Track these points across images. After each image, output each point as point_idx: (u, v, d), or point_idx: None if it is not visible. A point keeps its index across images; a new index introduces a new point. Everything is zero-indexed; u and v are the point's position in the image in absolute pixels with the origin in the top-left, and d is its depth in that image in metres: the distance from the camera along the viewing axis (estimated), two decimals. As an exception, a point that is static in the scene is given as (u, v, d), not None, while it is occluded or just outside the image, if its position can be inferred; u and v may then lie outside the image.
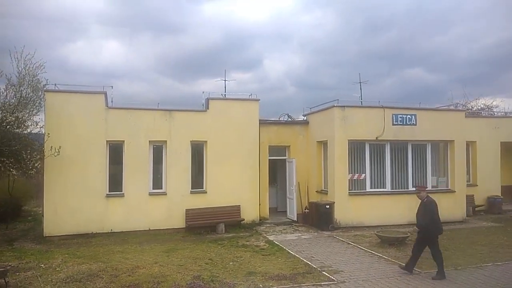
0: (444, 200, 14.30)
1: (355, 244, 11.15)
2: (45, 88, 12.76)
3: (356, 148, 14.22)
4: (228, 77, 51.81)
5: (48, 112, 12.69)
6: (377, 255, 9.95)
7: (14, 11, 45.01)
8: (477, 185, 17.37)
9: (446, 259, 9.22)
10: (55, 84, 12.96)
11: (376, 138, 13.93)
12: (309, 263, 9.33)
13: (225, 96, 15.58)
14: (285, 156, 15.85)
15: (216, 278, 8.39)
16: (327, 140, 14.22)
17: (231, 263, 9.62)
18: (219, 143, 14.16)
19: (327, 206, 13.42)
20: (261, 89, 49.14)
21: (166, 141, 13.72)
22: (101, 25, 53.64)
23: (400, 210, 14.06)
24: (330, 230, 13.15)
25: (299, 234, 12.82)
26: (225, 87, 18.62)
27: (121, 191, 13.28)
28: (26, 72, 12.74)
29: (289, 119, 16.75)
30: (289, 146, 15.66)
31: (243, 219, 14.06)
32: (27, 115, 12.63)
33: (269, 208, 16.05)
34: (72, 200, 12.72)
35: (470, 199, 16.81)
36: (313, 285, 7.80)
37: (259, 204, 14.91)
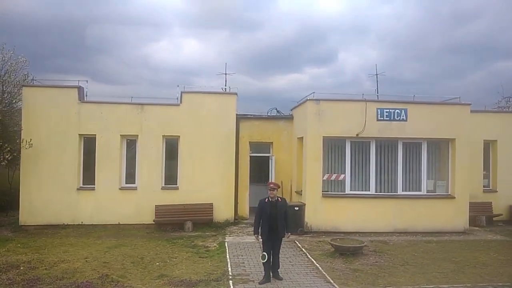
0: (442, 207, 12.66)
1: (307, 252, 10.08)
2: (23, 83, 13.29)
3: (335, 146, 12.95)
4: (302, 72, 51.07)
5: (25, 106, 13.22)
6: (316, 266, 8.86)
7: (103, 14, 49.08)
8: (496, 191, 15.01)
9: (392, 275, 8.01)
10: (32, 79, 13.46)
11: (357, 135, 12.53)
12: (230, 269, 8.57)
13: (223, 89, 14.99)
14: (270, 153, 14.97)
15: (121, 278, 8.06)
16: (303, 137, 13.13)
17: (157, 263, 9.20)
18: (192, 138, 13.74)
19: (296, 208, 12.37)
20: (336, 83, 47.78)
21: (137, 135, 13.61)
22: (182, 24, 56.53)
23: (385, 216, 12.60)
24: (298, 234, 12.12)
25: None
26: (225, 81, 18.03)
27: (93, 185, 13.43)
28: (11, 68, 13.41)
29: (278, 114, 15.71)
30: (272, 142, 14.75)
31: (212, 218, 13.50)
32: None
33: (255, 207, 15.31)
34: (45, 192, 13.13)
35: (486, 207, 14.66)
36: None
37: (237, 203, 14.29)
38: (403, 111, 12.67)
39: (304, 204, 12.48)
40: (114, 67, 48.38)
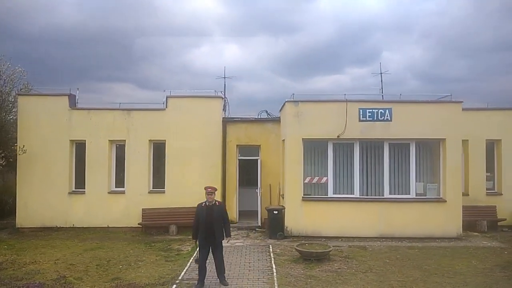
0: (432, 212, 12.01)
1: (274, 257, 9.83)
2: (18, 92, 14.01)
3: (317, 148, 12.59)
4: (343, 72, 50.55)
5: (20, 114, 13.93)
6: (273, 272, 8.61)
7: (147, 25, 51.56)
8: (501, 194, 13.99)
9: (345, 283, 7.73)
10: (27, 88, 14.15)
11: (338, 136, 12.12)
12: (184, 273, 8.55)
13: (218, 92, 15.06)
14: (258, 156, 14.82)
15: (76, 280, 8.27)
16: (284, 139, 12.89)
17: (120, 266, 9.35)
18: (178, 142, 13.87)
19: (275, 212, 12.15)
20: (379, 83, 46.81)
21: (125, 140, 13.93)
22: (222, 30, 58.15)
23: (370, 221, 12.09)
24: (277, 238, 11.89)
25: (241, 241, 11.83)
26: (224, 86, 18.15)
27: (83, 189, 13.89)
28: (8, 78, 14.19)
29: (267, 117, 15.49)
30: (260, 145, 14.58)
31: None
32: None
33: (247, 211, 15.26)
34: (39, 196, 13.73)
35: (489, 211, 13.72)
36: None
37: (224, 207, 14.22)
38: (387, 110, 12.12)
39: (284, 208, 12.23)
40: (158, 74, 50.06)
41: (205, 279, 7.76)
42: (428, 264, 9.16)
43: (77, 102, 14.21)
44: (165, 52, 50.64)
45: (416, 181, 12.40)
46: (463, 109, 13.88)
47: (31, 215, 13.73)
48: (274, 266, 9.02)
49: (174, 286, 7.73)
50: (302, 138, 12.26)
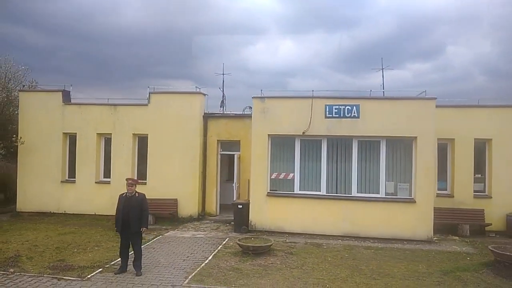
0: (402, 213, 11.64)
1: (217, 250, 10.02)
2: (20, 89, 15.33)
3: (285, 144, 12.56)
4: (404, 68, 49.21)
5: (21, 109, 15.27)
6: (204, 263, 8.85)
7: (204, 23, 53.80)
8: (491, 198, 13.09)
9: (263, 277, 7.81)
10: (32, 85, 15.43)
11: (303, 133, 12.03)
12: (112, 260, 8.96)
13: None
14: (239, 151, 15.03)
15: (27, 259, 9.03)
16: (254, 135, 12.98)
17: (75, 250, 10.10)
18: (160, 136, 14.46)
19: (240, 206, 12.33)
20: (443, 80, 44.55)
21: (111, 133, 14.76)
22: (278, 27, 59.14)
23: (334, 219, 11.92)
24: (241, 232, 12.08)
25: (205, 233, 12.14)
26: (223, 82, 18.43)
27: (74, 178, 14.93)
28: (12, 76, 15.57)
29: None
30: (240, 140, 14.77)
31: (176, 213, 14.05)
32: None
33: (230, 204, 15.52)
34: (36, 184, 14.98)
35: (476, 215, 12.93)
36: (58, 278, 7.67)
37: (204, 200, 14.68)
38: (354, 107, 11.82)
39: (249, 202, 12.37)
40: (214, 72, 51.40)
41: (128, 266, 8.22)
42: (368, 265, 8.90)
43: (71, 98, 15.24)
44: (221, 50, 51.87)
45: (386, 180, 11.99)
46: (449, 106, 13.29)
47: (29, 200, 15.01)
48: (210, 257, 9.26)
49: (100, 269, 8.24)
50: (268, 134, 12.32)
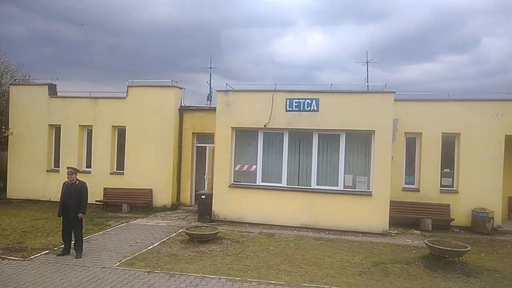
0: (358, 205, 11.81)
1: (172, 237, 10.52)
2: (10, 83, 16.25)
3: (249, 137, 12.86)
4: (437, 61, 48.12)
5: (11, 101, 16.18)
6: (146, 249, 9.34)
7: (233, 17, 54.54)
8: (457, 192, 13.00)
9: (194, 262, 8.26)
10: (25, 79, 16.34)
11: (264, 126, 12.30)
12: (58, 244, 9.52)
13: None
14: (213, 143, 15.41)
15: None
16: (220, 128, 13.34)
17: (39, 234, 10.85)
18: (136, 128, 15.05)
19: (203, 197, 12.76)
20: (478, 73, 43.30)
21: (92, 125, 15.47)
22: (306, 20, 59.10)
23: (293, 210, 12.19)
24: (204, 221, 12.53)
25: (169, 222, 12.66)
26: (210, 77, 18.87)
27: (58, 168, 15.76)
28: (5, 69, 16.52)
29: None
30: (214, 133, 15.11)
31: (151, 202, 14.64)
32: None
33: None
34: (25, 172, 15.93)
35: (441, 209, 12.90)
36: (2, 258, 8.34)
37: (179, 190, 15.21)
38: (314, 101, 11.99)
39: (212, 193, 12.78)
40: (242, 65, 52.17)
41: (86, 250, 8.80)
42: (304, 255, 9.14)
43: (57, 91, 16.03)
44: (250, 43, 52.14)
45: (345, 173, 12.13)
46: (418, 100, 13.26)
47: (18, 188, 15.98)
48: (156, 244, 9.75)
49: (47, 251, 8.88)
50: (232, 127, 12.65)
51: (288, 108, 12.16)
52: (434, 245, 8.60)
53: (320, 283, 7.30)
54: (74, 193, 8.55)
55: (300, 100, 12.06)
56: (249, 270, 7.95)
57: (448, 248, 8.44)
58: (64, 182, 8.81)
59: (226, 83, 12.90)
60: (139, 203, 14.64)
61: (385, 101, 11.61)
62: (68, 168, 8.91)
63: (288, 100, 12.16)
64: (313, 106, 11.98)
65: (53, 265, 7.96)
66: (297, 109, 12.10)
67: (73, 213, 8.50)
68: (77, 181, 8.73)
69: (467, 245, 8.73)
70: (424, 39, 47.33)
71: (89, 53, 49.48)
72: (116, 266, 7.96)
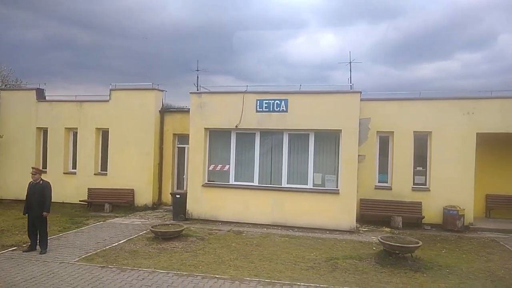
0: (327, 203, 12.04)
1: (139, 235, 10.88)
2: (0, 88, 16.89)
3: (222, 137, 13.18)
4: (452, 58, 47.37)
5: (2, 106, 16.80)
6: (111, 246, 9.71)
7: (245, 19, 54.99)
8: (429, 190, 13.10)
9: (152, 258, 8.60)
10: (17, 84, 16.98)
11: (236, 126, 12.61)
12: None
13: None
14: (195, 144, 15.78)
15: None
16: (195, 129, 13.69)
17: (16, 232, 11.35)
18: (119, 130, 15.51)
19: (178, 196, 13.12)
20: (494, 70, 42.64)
21: (77, 128, 15.98)
22: (319, 20, 59.26)
23: (264, 209, 12.48)
24: (178, 220, 12.88)
25: (144, 220, 13.04)
26: (197, 78, 19.23)
27: (45, 169, 16.31)
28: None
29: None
30: (194, 134, 15.50)
31: (133, 202, 15.06)
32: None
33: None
34: (15, 173, 16.51)
35: (412, 207, 13.03)
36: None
37: (161, 191, 15.62)
38: (283, 101, 12.25)
39: (186, 192, 13.13)
40: (255, 66, 52.30)
41: (54, 246, 9.26)
42: (262, 251, 9.40)
43: (45, 95, 16.61)
44: (262, 44, 52.36)
45: (314, 172, 12.35)
46: (390, 99, 13.41)
47: (9, 189, 16.58)
48: (122, 241, 10.13)
49: (15, 248, 9.34)
50: (205, 128, 12.99)
51: (258, 109, 12.45)
52: (385, 241, 8.78)
53: (264, 277, 7.55)
54: (37, 192, 8.98)
55: (270, 101, 12.34)
56: (200, 265, 8.25)
57: (398, 244, 8.61)
58: (30, 182, 9.23)
59: (201, 86, 13.25)
60: (121, 203, 15.08)
61: (352, 101, 11.80)
62: (32, 168, 9.34)
63: (258, 101, 12.45)
64: (282, 107, 12.25)
65: (15, 261, 8.38)
66: (267, 109, 12.37)
67: (37, 211, 8.92)
68: (41, 181, 9.15)
69: (419, 241, 8.87)
70: (439, 37, 46.68)
71: (104, 57, 50.40)
72: (74, 261, 8.34)
